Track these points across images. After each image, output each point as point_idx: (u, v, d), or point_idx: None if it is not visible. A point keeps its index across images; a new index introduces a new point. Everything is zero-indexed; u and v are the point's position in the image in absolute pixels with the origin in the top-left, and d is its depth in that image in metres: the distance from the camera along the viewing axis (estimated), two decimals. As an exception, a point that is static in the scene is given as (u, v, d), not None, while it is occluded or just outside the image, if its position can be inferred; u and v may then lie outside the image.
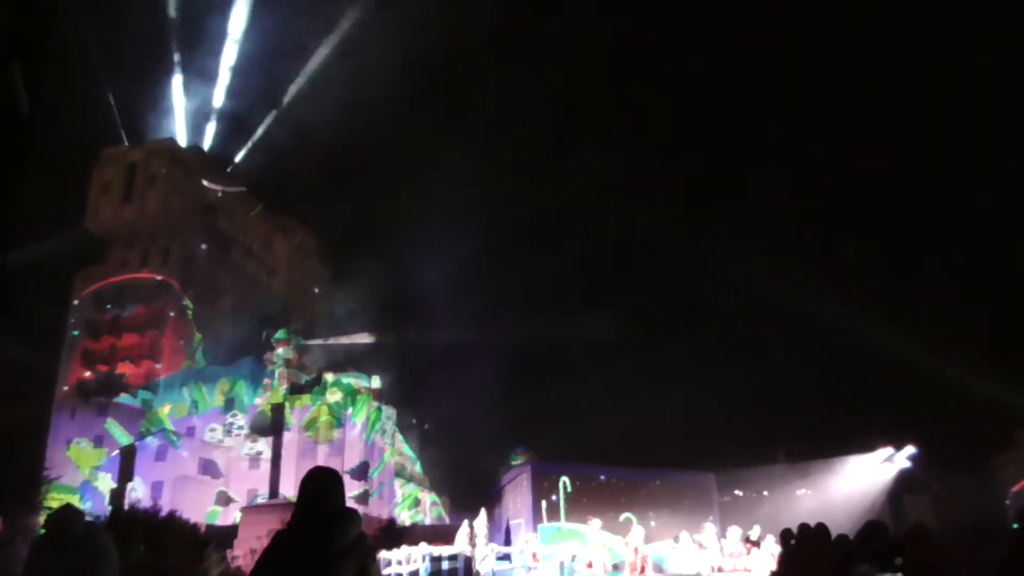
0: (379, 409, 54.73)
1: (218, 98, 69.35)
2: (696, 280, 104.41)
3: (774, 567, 15.28)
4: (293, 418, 51.80)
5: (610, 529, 27.25)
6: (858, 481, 40.12)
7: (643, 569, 25.26)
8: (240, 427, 52.28)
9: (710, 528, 27.00)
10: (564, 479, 28.02)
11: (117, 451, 48.11)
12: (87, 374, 56.61)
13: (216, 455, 50.95)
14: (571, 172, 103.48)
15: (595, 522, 26.05)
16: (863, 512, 34.70)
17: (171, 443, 48.60)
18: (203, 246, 62.40)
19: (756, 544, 24.67)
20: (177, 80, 67.43)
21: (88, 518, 5.65)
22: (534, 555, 24.87)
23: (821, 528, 7.90)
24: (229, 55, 69.37)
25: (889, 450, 40.01)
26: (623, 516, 28.52)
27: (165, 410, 52.24)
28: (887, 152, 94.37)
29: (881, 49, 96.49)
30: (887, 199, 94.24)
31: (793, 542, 8.15)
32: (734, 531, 26.40)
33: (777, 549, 14.00)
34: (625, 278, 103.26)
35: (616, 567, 25.65)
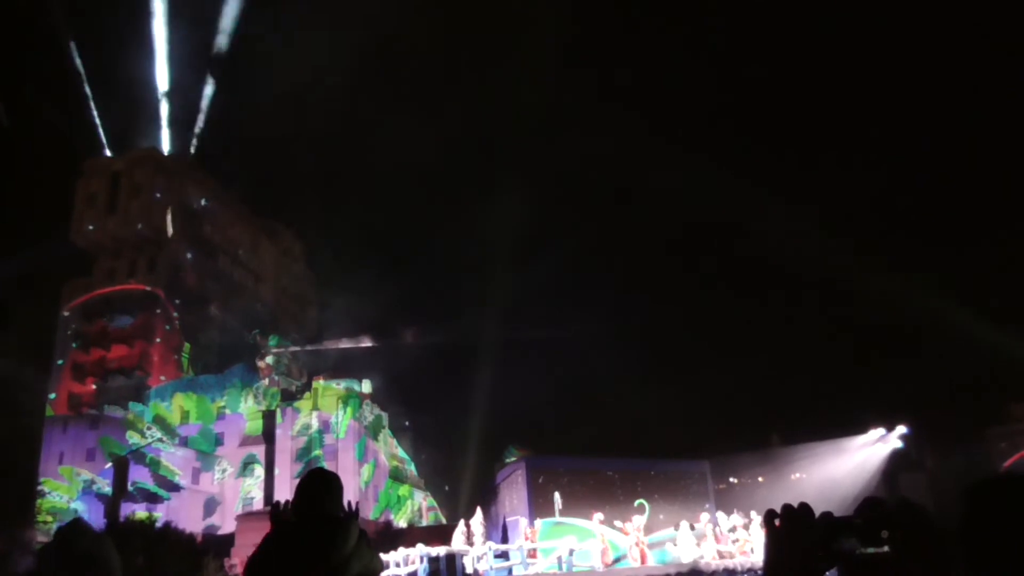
0: (371, 412, 54.71)
1: (200, 104, 69.14)
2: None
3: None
4: (285, 425, 51.67)
5: (612, 520, 27.34)
6: (853, 462, 40.44)
7: (644, 558, 25.45)
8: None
9: (704, 518, 27.30)
10: (556, 494, 27.90)
11: (110, 463, 47.82)
12: (77, 387, 56.36)
13: (209, 463, 50.77)
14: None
15: (597, 516, 26.19)
16: (859, 493, 34.96)
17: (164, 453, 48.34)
18: (189, 255, 62.15)
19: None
20: (159, 88, 67.11)
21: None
22: (533, 552, 24.92)
23: (804, 507, 7.97)
24: (211, 62, 69.17)
25: (881, 430, 40.33)
26: (637, 502, 28.62)
27: (155, 420, 51.93)
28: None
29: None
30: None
31: (777, 522, 8.22)
32: (724, 518, 26.79)
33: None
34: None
35: (618, 560, 25.78)
